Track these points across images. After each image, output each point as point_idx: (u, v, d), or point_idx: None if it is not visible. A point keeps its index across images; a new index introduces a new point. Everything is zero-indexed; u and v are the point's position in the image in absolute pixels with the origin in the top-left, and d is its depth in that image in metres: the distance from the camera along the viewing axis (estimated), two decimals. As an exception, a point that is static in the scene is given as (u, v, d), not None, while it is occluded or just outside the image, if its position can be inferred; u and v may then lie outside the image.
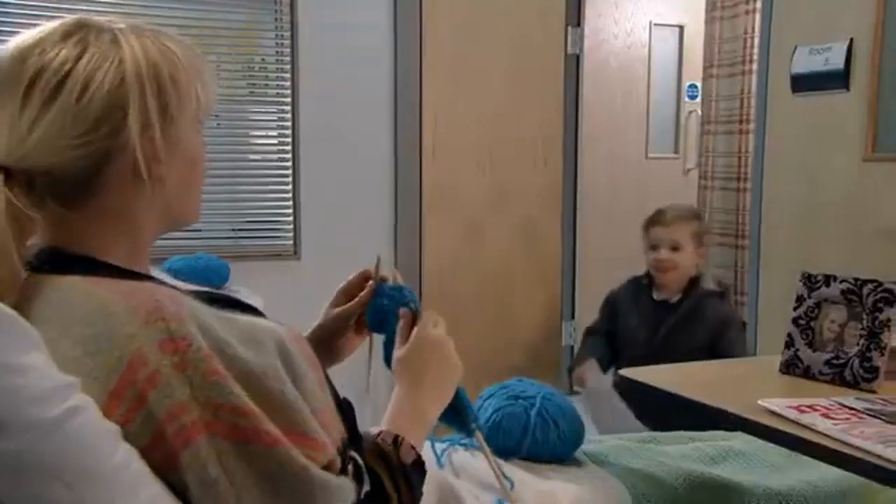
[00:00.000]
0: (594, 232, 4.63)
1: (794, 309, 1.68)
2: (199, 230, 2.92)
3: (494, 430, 1.62)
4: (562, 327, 4.66)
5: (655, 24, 4.80)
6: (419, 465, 1.09)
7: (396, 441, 1.09)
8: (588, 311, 4.64)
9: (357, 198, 3.05)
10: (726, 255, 5.04)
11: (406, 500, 1.04)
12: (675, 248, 2.56)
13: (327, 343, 1.37)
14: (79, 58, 0.95)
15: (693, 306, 2.54)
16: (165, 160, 1.00)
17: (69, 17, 1.00)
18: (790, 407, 1.41)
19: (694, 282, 2.60)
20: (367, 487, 1.02)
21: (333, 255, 3.02)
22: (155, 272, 1.13)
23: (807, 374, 1.64)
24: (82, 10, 2.78)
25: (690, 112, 4.94)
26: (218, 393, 0.86)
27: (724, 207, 5.10)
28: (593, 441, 1.83)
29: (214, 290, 1.22)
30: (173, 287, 1.09)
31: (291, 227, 3.00)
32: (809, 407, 1.41)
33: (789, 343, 1.67)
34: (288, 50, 2.97)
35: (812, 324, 1.65)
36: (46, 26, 0.98)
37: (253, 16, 2.97)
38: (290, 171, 2.97)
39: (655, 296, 2.62)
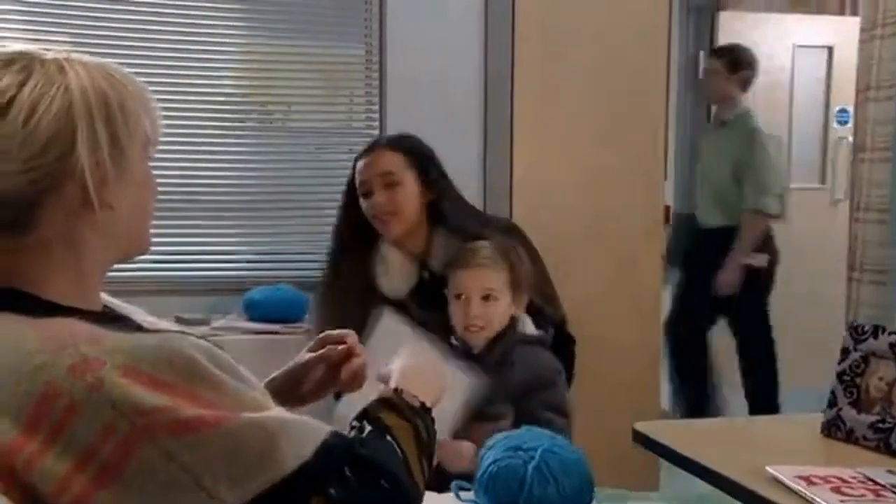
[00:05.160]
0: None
1: (839, 363, 1.48)
2: (282, 261, 2.96)
3: (491, 482, 1.52)
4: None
5: (799, 47, 4.48)
6: (426, 409, 1.12)
7: (396, 391, 1.13)
8: (721, 352, 4.38)
9: (444, 231, 3.01)
10: (881, 295, 4.60)
11: (422, 433, 1.08)
12: (486, 298, 1.94)
13: (296, 385, 1.34)
14: (22, 84, 0.93)
15: (502, 357, 1.94)
16: (115, 187, 0.98)
17: (8, 47, 0.99)
18: (800, 477, 1.24)
19: (507, 325, 2.00)
20: (368, 428, 1.04)
21: (419, 289, 3.00)
22: (114, 300, 1.12)
23: (849, 437, 1.44)
24: (169, 38, 2.90)
25: (841, 138, 4.57)
26: (145, 400, 0.85)
27: (880, 241, 4.68)
28: (633, 499, 1.68)
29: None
30: (123, 318, 1.09)
31: (377, 259, 2.99)
32: (823, 478, 1.23)
33: (832, 401, 1.47)
34: (377, 83, 2.98)
35: (857, 380, 1.45)
36: None
37: (343, 49, 3.01)
38: (377, 204, 2.97)
39: (455, 340, 2.00)
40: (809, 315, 4.40)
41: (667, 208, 3.87)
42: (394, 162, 2.07)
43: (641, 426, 1.46)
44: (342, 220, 2.19)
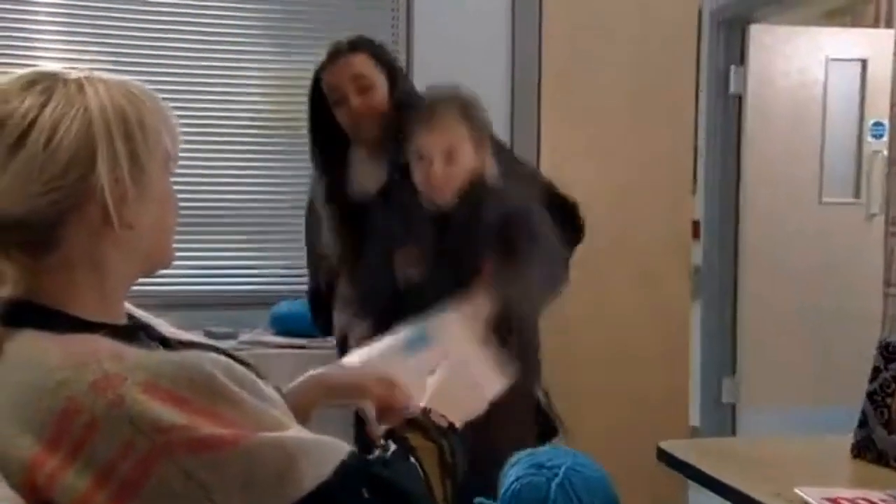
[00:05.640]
0: (759, 282, 4.31)
1: (870, 382, 1.44)
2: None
3: (514, 501, 1.50)
4: (721, 384, 4.37)
5: (832, 60, 4.42)
6: (453, 429, 1.13)
7: (425, 410, 1.14)
8: (752, 368, 4.32)
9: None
10: (917, 311, 4.52)
11: (447, 454, 1.08)
12: (449, 158, 1.86)
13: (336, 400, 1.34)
14: (44, 105, 0.94)
15: (473, 209, 1.87)
16: (135, 205, 0.99)
17: (29, 69, 1.01)
18: (828, 499, 1.21)
19: (474, 179, 1.93)
20: (392, 447, 1.04)
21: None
22: (138, 310, 1.13)
23: (880, 459, 1.41)
24: (185, 56, 2.93)
25: (875, 152, 4.49)
26: (163, 417, 0.86)
27: (917, 257, 4.59)
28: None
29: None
30: (146, 326, 1.10)
31: (404, 274, 2.98)
32: (851, 500, 1.21)
33: (863, 422, 1.44)
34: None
35: (888, 401, 1.42)
36: (8, 76, 0.99)
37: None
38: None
39: (423, 202, 1.93)
40: (843, 332, 4.33)
41: (695, 223, 3.83)
42: (364, 64, 2.04)
43: (667, 445, 1.44)
44: (314, 142, 2.15)
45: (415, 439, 1.07)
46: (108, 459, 0.84)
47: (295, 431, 0.94)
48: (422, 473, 1.04)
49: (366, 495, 0.94)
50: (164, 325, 1.17)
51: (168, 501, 0.85)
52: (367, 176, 2.07)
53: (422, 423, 1.11)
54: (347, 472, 0.92)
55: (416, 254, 1.91)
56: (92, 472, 0.84)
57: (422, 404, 1.16)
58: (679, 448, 1.43)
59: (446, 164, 1.87)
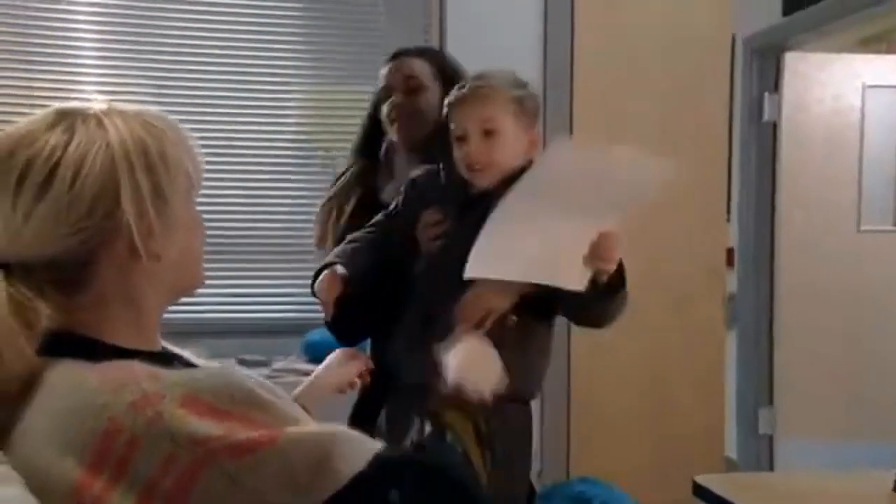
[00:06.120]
0: (796, 311, 4.25)
1: (912, 416, 1.41)
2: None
3: (547, 533, 1.49)
4: (758, 414, 4.30)
5: (869, 87, 4.38)
6: (484, 401, 1.13)
7: (454, 387, 1.13)
8: (787, 398, 4.25)
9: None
10: (960, 341, 4.43)
11: (482, 426, 1.11)
12: (489, 133, 1.65)
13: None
14: (67, 145, 0.96)
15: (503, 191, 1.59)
16: (161, 237, 1.00)
17: (52, 107, 1.02)
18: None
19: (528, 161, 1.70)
20: (427, 429, 1.09)
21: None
22: (168, 344, 1.14)
23: (924, 495, 1.37)
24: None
25: (916, 180, 4.44)
26: (200, 430, 0.87)
27: (959, 286, 4.51)
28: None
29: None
30: (176, 356, 1.11)
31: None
32: (895, 539, 1.17)
33: (905, 456, 1.40)
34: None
35: (932, 435, 1.38)
36: (32, 118, 1.01)
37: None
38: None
39: (468, 188, 1.73)
40: (884, 363, 4.25)
41: (730, 251, 3.80)
42: (420, 67, 2.00)
43: (703, 479, 1.41)
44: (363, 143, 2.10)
45: (449, 416, 1.09)
46: (149, 477, 0.85)
47: (329, 426, 0.95)
48: (460, 448, 1.05)
49: (405, 480, 0.94)
50: (193, 358, 1.19)
51: None
52: (403, 179, 1.96)
53: (453, 399, 1.12)
54: (384, 462, 0.93)
55: (440, 219, 1.74)
56: (136, 491, 0.86)
57: (449, 381, 1.16)
58: (715, 482, 1.40)
59: (484, 141, 1.65)
